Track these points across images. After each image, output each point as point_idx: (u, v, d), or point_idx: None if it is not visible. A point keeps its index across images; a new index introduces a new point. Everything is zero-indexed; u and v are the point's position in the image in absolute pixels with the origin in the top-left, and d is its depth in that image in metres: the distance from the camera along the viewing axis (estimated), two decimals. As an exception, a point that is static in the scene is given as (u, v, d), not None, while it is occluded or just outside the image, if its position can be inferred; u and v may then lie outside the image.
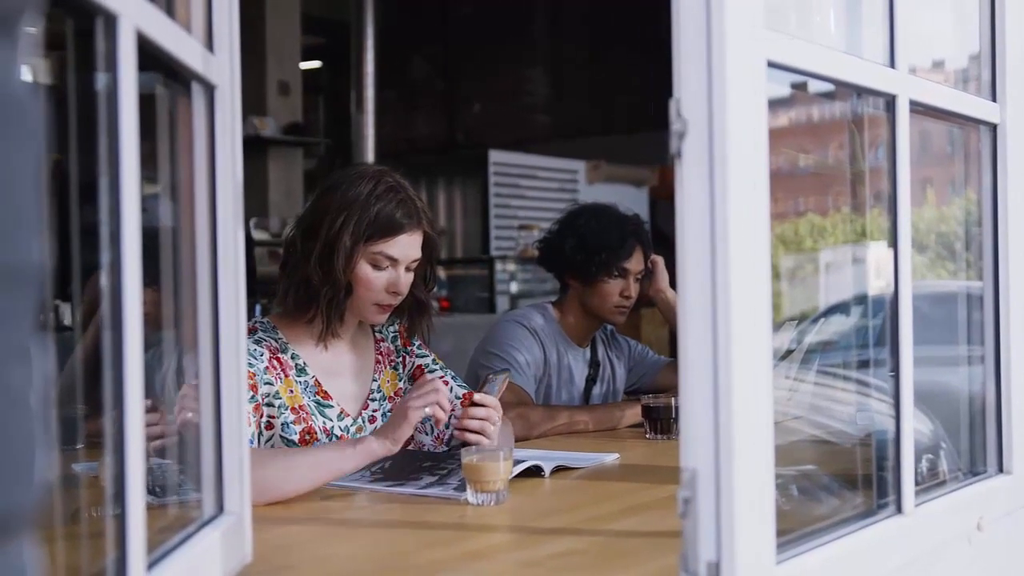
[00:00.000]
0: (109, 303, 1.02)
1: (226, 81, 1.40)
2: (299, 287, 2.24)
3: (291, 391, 2.22)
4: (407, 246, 2.26)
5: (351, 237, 2.20)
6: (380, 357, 2.43)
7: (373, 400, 2.37)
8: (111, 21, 1.02)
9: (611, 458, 2.39)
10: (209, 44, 1.38)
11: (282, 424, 2.19)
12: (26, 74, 0.56)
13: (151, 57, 1.14)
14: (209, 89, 1.37)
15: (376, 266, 2.24)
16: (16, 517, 0.55)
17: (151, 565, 1.11)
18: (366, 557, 1.65)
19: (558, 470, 2.22)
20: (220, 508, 1.40)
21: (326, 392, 2.28)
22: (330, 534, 1.79)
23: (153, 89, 1.30)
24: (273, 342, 2.24)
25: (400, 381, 2.44)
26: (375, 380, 2.39)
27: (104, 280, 1.03)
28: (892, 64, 1.55)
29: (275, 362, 2.21)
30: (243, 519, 1.43)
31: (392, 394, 2.41)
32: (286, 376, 2.23)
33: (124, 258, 1.03)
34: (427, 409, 2.02)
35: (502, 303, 7.53)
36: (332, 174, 2.35)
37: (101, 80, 1.04)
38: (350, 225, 2.20)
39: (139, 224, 1.05)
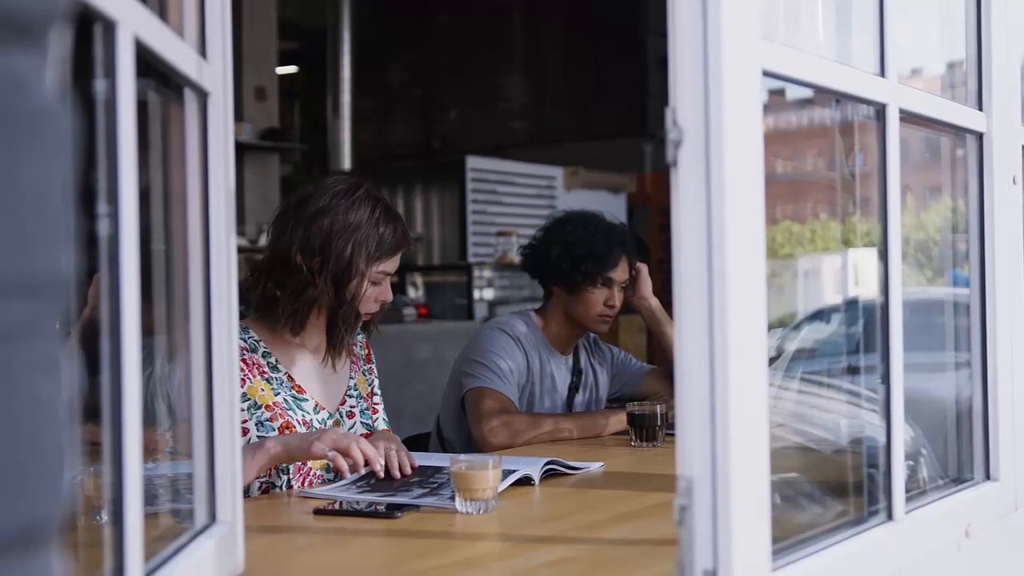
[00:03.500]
0: (108, 310, 1.01)
1: (219, 88, 1.39)
2: (307, 307, 2.30)
3: (262, 390, 2.28)
4: (399, 260, 2.39)
5: (365, 262, 2.29)
6: (354, 358, 2.51)
7: (351, 396, 2.46)
8: (110, 28, 1.01)
9: (596, 466, 2.39)
10: (202, 51, 1.37)
11: (257, 423, 2.24)
12: (56, 83, 0.56)
13: (145, 63, 1.13)
14: (202, 96, 1.36)
15: (374, 283, 2.34)
16: (46, 527, 0.55)
17: (147, 575, 1.10)
18: (357, 567, 1.64)
19: (548, 475, 2.22)
20: (213, 518, 1.39)
21: (300, 387, 2.34)
22: (321, 544, 1.78)
23: (144, 95, 1.30)
24: (242, 342, 2.26)
25: (368, 386, 2.53)
26: (352, 378, 2.48)
27: (102, 287, 1.02)
28: (882, 73, 1.56)
29: (241, 363, 2.24)
30: (235, 529, 1.42)
31: (366, 395, 2.50)
32: (254, 376, 2.28)
33: (122, 265, 1.02)
34: (330, 454, 2.05)
35: (480, 310, 7.52)
36: (314, 191, 2.35)
37: (98, 86, 1.04)
38: (362, 251, 2.29)
39: (137, 231, 1.04)
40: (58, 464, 0.56)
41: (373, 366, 2.57)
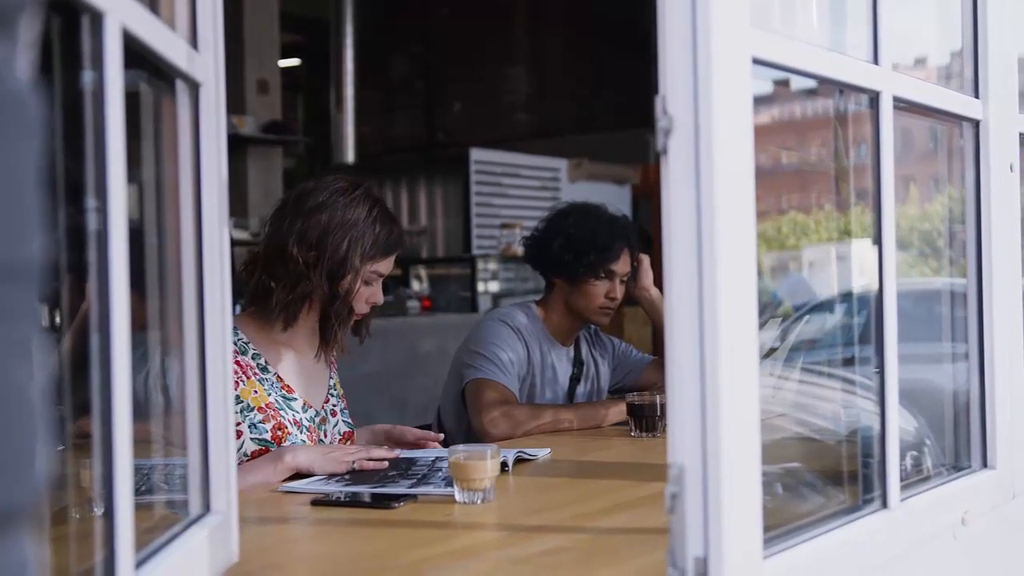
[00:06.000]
0: (96, 304, 1.02)
1: (211, 79, 1.40)
2: (300, 301, 2.33)
3: (255, 391, 2.30)
4: (392, 263, 2.42)
5: (360, 259, 2.32)
6: (334, 358, 2.54)
7: (332, 395, 2.50)
8: (97, 18, 1.01)
9: (543, 452, 2.43)
10: (193, 42, 1.37)
11: (250, 426, 2.26)
12: (25, 71, 0.56)
13: (135, 55, 1.14)
14: (194, 87, 1.37)
15: (366, 282, 2.37)
16: (19, 512, 0.55)
17: (139, 564, 1.11)
18: (353, 556, 1.65)
19: (518, 462, 2.27)
20: (207, 507, 1.39)
21: (288, 386, 2.37)
22: (317, 534, 1.79)
23: (136, 87, 1.30)
24: (232, 338, 2.27)
25: (340, 387, 2.58)
26: (331, 379, 2.52)
27: (91, 281, 1.03)
28: (876, 61, 1.56)
29: (235, 366, 2.25)
30: (230, 518, 1.43)
31: (341, 394, 2.55)
32: (248, 378, 2.31)
33: (111, 258, 1.02)
34: (355, 465, 2.16)
35: (484, 302, 7.53)
36: (314, 187, 2.38)
37: (86, 78, 1.04)
38: (357, 247, 2.31)
39: (126, 224, 1.04)
40: (31, 449, 0.57)
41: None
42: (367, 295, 2.38)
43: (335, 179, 2.39)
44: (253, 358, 2.33)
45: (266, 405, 2.29)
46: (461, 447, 1.99)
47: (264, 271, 2.33)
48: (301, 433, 2.32)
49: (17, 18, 0.55)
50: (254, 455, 2.24)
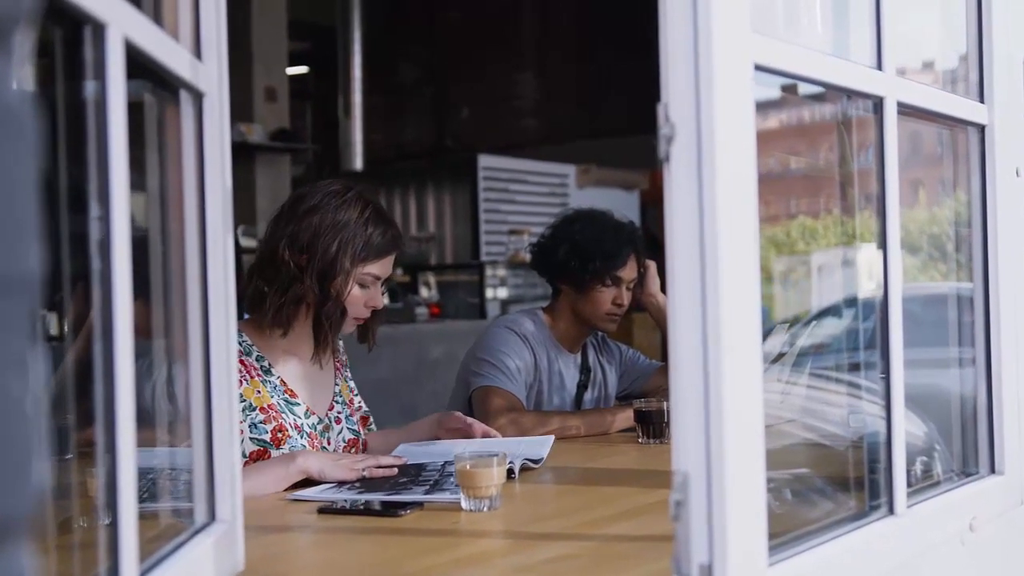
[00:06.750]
0: (100, 313, 1.02)
1: (214, 88, 1.40)
2: (293, 304, 2.32)
3: (258, 392, 2.31)
4: (390, 265, 2.41)
5: (350, 260, 2.31)
6: (339, 365, 2.55)
7: (337, 402, 2.49)
8: (99, 29, 1.01)
9: (548, 440, 2.47)
10: (197, 52, 1.37)
11: (251, 425, 2.27)
12: (21, 83, 0.56)
13: (139, 65, 1.14)
14: (198, 97, 1.37)
15: (362, 285, 2.36)
16: (15, 523, 0.56)
17: (143, 573, 1.11)
18: (359, 565, 1.64)
19: (524, 469, 2.27)
20: (212, 516, 1.40)
21: (292, 391, 2.37)
22: (322, 542, 1.78)
23: (140, 97, 1.30)
24: (237, 346, 2.28)
25: (350, 392, 2.57)
26: (336, 385, 2.51)
27: (94, 290, 1.03)
28: (879, 66, 1.56)
29: (239, 365, 2.27)
30: (235, 527, 1.43)
31: (348, 401, 2.54)
32: (252, 378, 2.31)
33: (114, 267, 1.02)
34: (365, 473, 2.17)
35: (493, 308, 7.52)
36: (308, 191, 2.39)
37: (89, 88, 1.04)
38: (348, 249, 2.31)
39: (129, 233, 1.04)
40: (27, 460, 0.57)
41: (348, 372, 2.61)
42: (365, 298, 2.37)
43: (330, 183, 2.40)
44: (257, 360, 2.34)
45: (268, 406, 2.30)
46: (467, 454, 1.99)
47: (259, 276, 2.34)
48: (301, 438, 2.32)
49: (13, 30, 0.55)
50: (253, 456, 2.24)
